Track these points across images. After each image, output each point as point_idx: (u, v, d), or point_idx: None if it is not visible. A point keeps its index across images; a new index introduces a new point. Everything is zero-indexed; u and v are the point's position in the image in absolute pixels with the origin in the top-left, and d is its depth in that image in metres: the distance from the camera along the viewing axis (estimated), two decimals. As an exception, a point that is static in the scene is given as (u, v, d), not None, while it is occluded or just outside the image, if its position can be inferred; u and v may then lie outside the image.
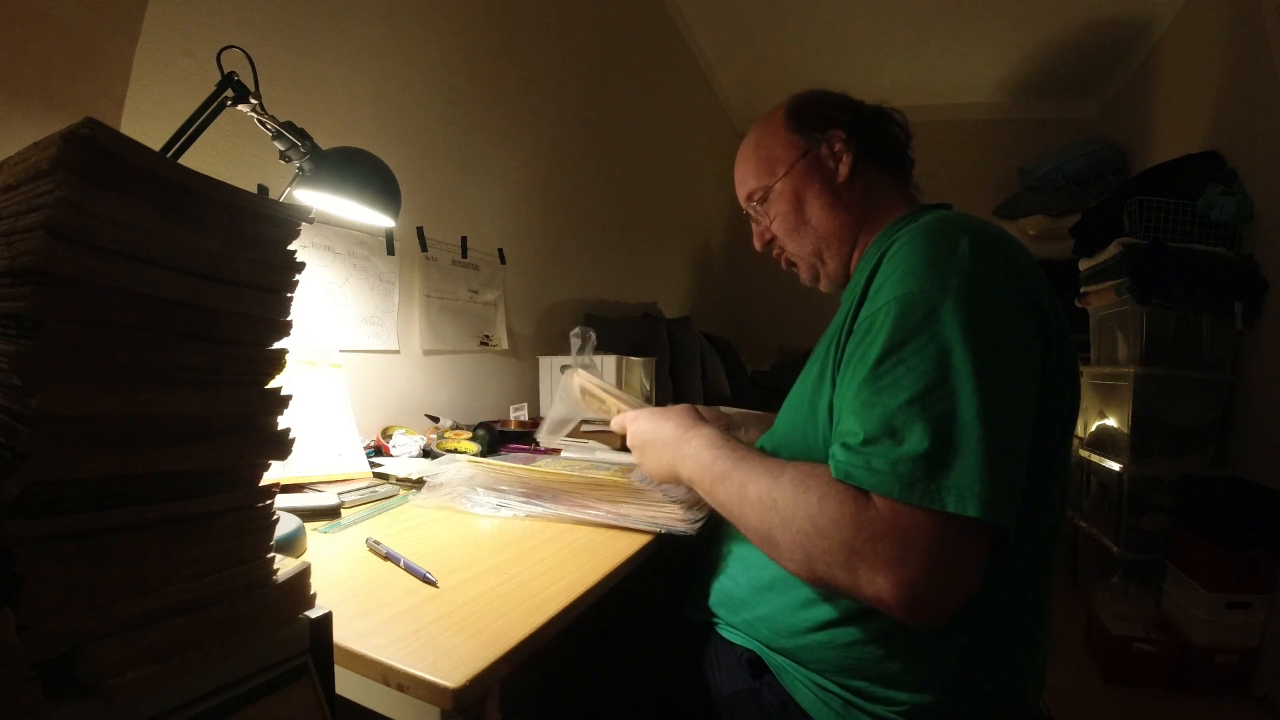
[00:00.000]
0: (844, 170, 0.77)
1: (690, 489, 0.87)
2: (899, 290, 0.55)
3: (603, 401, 0.89)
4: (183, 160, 0.47)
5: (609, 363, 1.57)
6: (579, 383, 0.92)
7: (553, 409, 0.95)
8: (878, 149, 0.79)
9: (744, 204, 0.86)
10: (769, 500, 0.57)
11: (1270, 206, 1.92)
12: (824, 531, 0.51)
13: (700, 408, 0.84)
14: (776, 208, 0.81)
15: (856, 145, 0.77)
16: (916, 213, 0.74)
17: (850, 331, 0.60)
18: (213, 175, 0.36)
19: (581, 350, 0.98)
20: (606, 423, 0.90)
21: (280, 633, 0.38)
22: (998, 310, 0.54)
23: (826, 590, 0.54)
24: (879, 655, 0.59)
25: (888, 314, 0.55)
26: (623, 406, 0.87)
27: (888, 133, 0.80)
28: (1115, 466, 2.05)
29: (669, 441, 0.74)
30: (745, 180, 0.84)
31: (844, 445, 0.53)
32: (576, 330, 0.99)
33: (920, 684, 0.58)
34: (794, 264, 0.85)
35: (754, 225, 0.86)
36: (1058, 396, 0.58)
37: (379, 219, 0.97)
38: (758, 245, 0.87)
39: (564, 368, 0.96)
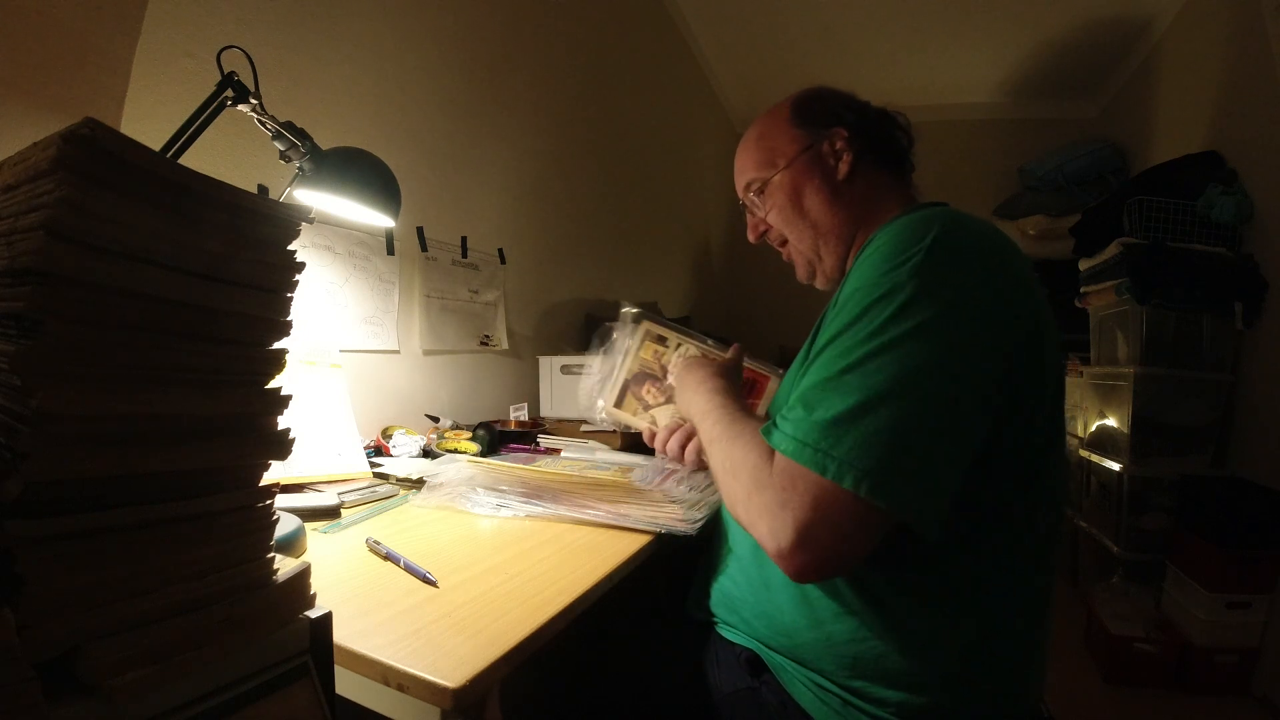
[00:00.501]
0: (844, 169, 0.77)
1: (690, 489, 0.87)
2: (860, 281, 0.57)
3: (663, 349, 0.94)
4: (183, 160, 0.47)
5: (643, 327, 1.55)
6: (646, 328, 0.95)
7: (602, 366, 0.97)
8: (880, 150, 0.79)
9: (741, 194, 0.86)
10: (722, 444, 0.65)
11: (1270, 206, 1.92)
12: (736, 475, 0.59)
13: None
14: (774, 199, 0.81)
15: (858, 145, 0.77)
16: (908, 212, 0.73)
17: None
18: (213, 175, 0.36)
19: (607, 348, 0.98)
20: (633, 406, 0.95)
21: (280, 633, 0.38)
22: (951, 299, 0.53)
23: (748, 527, 0.58)
24: (877, 653, 0.59)
25: (847, 302, 0.57)
26: (688, 345, 0.93)
27: (891, 135, 0.80)
28: (1115, 466, 2.05)
29: (688, 385, 0.81)
30: (745, 170, 0.84)
31: (780, 413, 0.58)
32: (605, 328, 0.98)
33: (919, 683, 0.58)
34: (793, 260, 0.85)
35: (749, 216, 0.86)
36: (1044, 392, 0.58)
37: (379, 219, 0.97)
38: (752, 237, 0.87)
39: (627, 317, 0.99)
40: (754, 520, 0.55)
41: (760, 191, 0.82)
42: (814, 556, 0.51)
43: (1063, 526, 0.65)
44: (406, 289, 1.40)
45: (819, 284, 0.84)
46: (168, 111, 0.91)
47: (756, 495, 0.55)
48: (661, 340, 0.94)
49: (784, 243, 0.85)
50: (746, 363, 0.92)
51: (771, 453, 0.56)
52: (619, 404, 0.93)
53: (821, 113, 0.79)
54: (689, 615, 0.79)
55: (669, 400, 0.91)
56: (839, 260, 0.80)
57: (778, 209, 0.81)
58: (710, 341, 0.94)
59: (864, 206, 0.78)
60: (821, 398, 0.53)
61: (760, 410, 0.88)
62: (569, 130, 2.12)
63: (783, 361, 0.86)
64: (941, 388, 0.52)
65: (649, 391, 0.92)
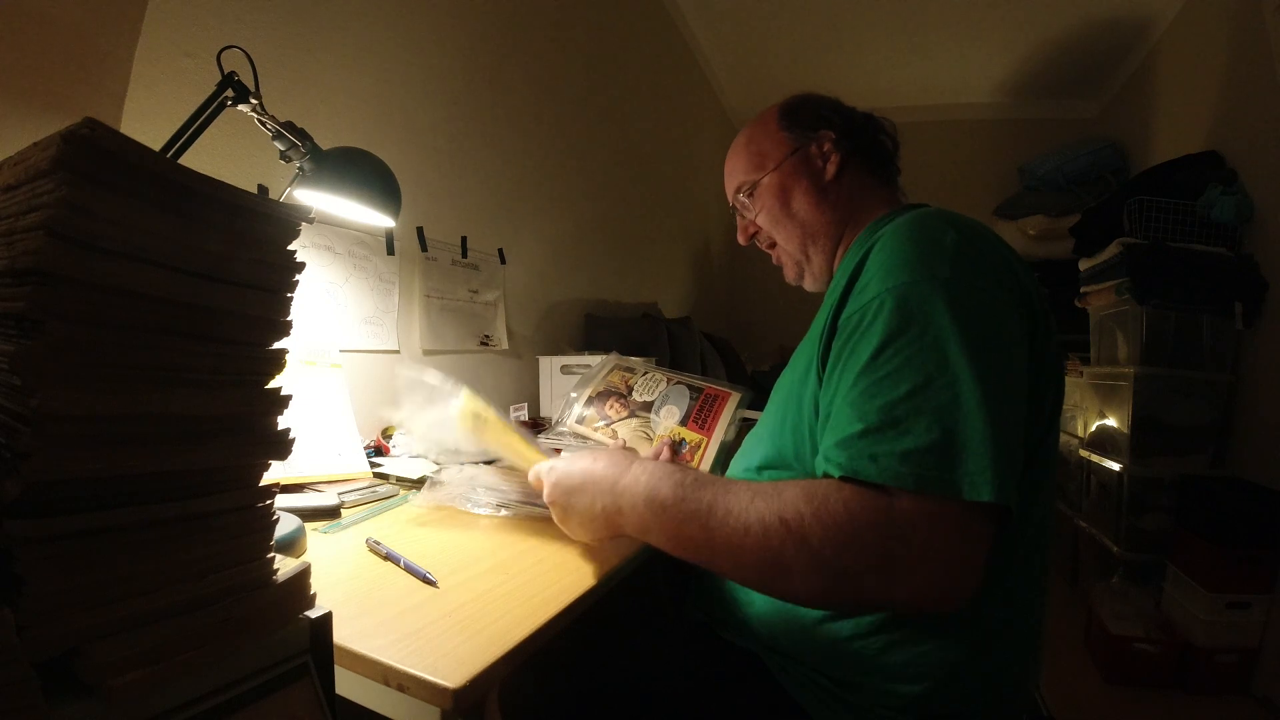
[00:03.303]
0: (831, 169, 0.79)
1: None
2: (890, 282, 0.56)
3: (631, 374, 0.90)
4: (183, 160, 0.47)
5: (613, 355, 1.57)
6: (615, 362, 0.91)
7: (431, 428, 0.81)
8: (866, 153, 0.81)
9: (731, 198, 0.88)
10: (777, 522, 0.51)
11: (1270, 206, 1.92)
12: (859, 537, 0.48)
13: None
14: (763, 201, 0.83)
15: (845, 147, 0.80)
16: (897, 212, 0.75)
17: (834, 327, 0.60)
18: (213, 175, 0.36)
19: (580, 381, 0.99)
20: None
21: (280, 633, 0.38)
22: (986, 298, 0.55)
23: (850, 606, 0.52)
24: (878, 648, 0.59)
25: (881, 307, 0.55)
26: (533, 451, 0.76)
27: (876, 139, 0.83)
28: (1115, 466, 2.05)
29: (602, 483, 0.64)
30: (735, 174, 0.86)
31: (839, 441, 0.52)
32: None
33: (921, 674, 0.58)
34: (782, 262, 0.87)
35: (739, 219, 0.88)
36: (1046, 378, 0.59)
37: (379, 219, 0.97)
38: (741, 240, 0.89)
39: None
40: (904, 579, 0.48)
41: (750, 194, 0.84)
42: (971, 580, 0.49)
43: (1054, 513, 0.66)
44: (406, 289, 1.40)
45: (807, 285, 0.86)
46: (168, 111, 0.91)
47: (900, 550, 0.48)
48: (629, 370, 0.99)
49: (773, 245, 0.87)
50: (707, 381, 0.95)
51: (885, 495, 0.49)
52: (580, 421, 0.98)
53: (809, 116, 0.82)
54: (688, 615, 0.79)
55: (632, 415, 0.94)
56: (827, 260, 0.81)
57: (766, 210, 0.83)
58: (675, 374, 0.97)
59: (851, 207, 0.80)
60: (910, 414, 0.50)
61: (720, 428, 0.90)
62: (570, 130, 2.12)
63: (782, 361, 0.87)
64: (1006, 382, 0.52)
65: (613, 407, 0.95)
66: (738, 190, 0.86)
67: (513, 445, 0.76)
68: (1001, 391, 0.51)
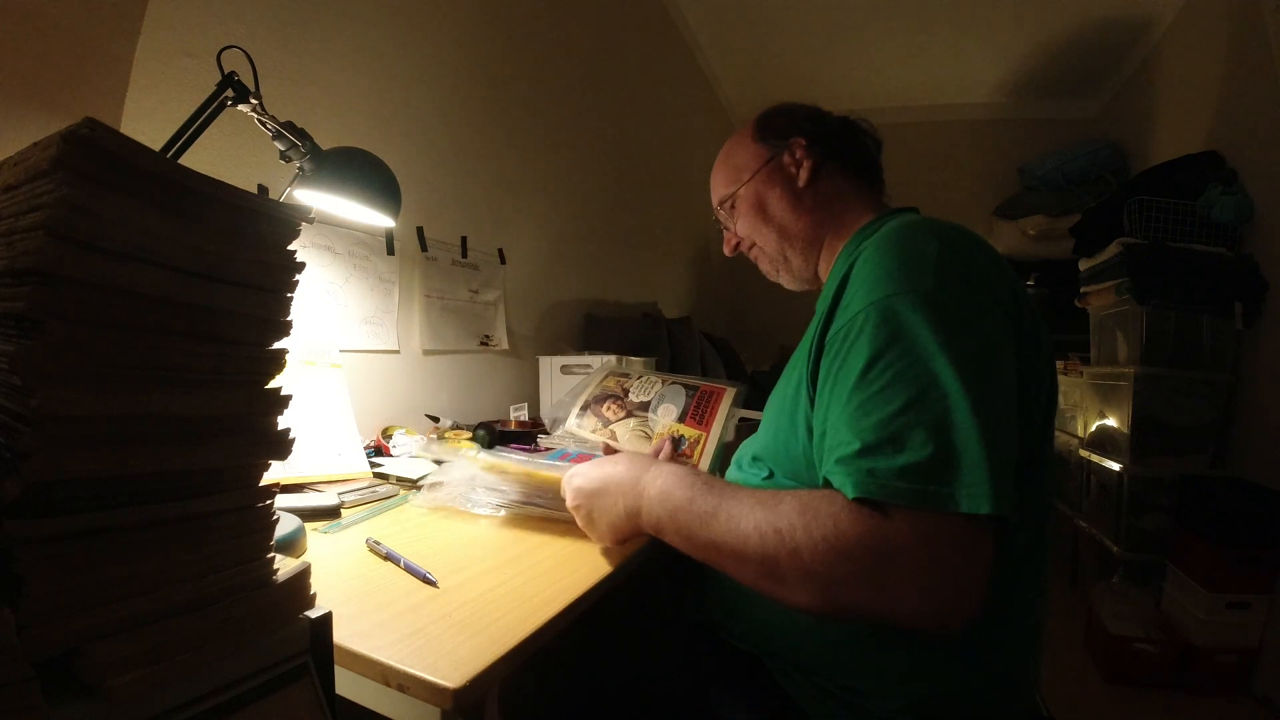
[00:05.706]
0: (804, 175, 0.80)
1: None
2: (874, 296, 0.56)
3: (626, 379, 0.90)
4: (183, 160, 0.47)
5: (609, 362, 1.57)
6: (610, 368, 0.94)
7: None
8: (843, 156, 0.82)
9: (716, 213, 0.90)
10: (771, 531, 0.53)
11: (1270, 206, 1.92)
12: (847, 553, 0.49)
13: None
14: (741, 211, 0.85)
15: (819, 152, 0.80)
16: (883, 218, 0.76)
17: (822, 344, 0.60)
18: (213, 175, 0.36)
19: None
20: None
21: (280, 633, 0.38)
22: (970, 307, 0.55)
23: (847, 616, 0.52)
24: (875, 651, 0.59)
25: (866, 320, 0.55)
26: (553, 472, 0.79)
27: (855, 142, 0.84)
28: (1115, 466, 2.05)
29: (624, 484, 0.67)
30: (716, 189, 0.89)
31: (840, 460, 0.52)
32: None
33: (918, 676, 0.58)
34: (759, 260, 0.89)
35: (725, 232, 0.91)
36: (1036, 379, 0.59)
37: (379, 219, 0.97)
38: (727, 251, 0.92)
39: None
40: (900, 595, 0.48)
41: (731, 207, 0.86)
42: (975, 595, 0.49)
43: (1053, 514, 0.66)
44: (406, 289, 1.40)
45: (785, 282, 0.87)
46: (168, 111, 0.91)
47: (893, 566, 0.48)
48: (624, 375, 1.02)
49: (754, 246, 0.88)
50: (702, 380, 0.98)
51: (881, 512, 0.49)
52: (579, 425, 0.99)
53: (781, 125, 0.83)
54: (687, 617, 0.79)
55: (629, 415, 0.95)
56: (805, 261, 0.83)
57: (745, 219, 0.85)
58: (670, 378, 0.98)
59: (829, 211, 0.80)
60: (905, 430, 0.50)
61: (718, 422, 0.91)
62: (569, 130, 2.12)
63: (782, 361, 0.88)
64: (996, 391, 0.52)
65: (610, 409, 0.97)
66: (720, 204, 0.88)
67: (534, 475, 0.82)
68: (991, 400, 0.51)
